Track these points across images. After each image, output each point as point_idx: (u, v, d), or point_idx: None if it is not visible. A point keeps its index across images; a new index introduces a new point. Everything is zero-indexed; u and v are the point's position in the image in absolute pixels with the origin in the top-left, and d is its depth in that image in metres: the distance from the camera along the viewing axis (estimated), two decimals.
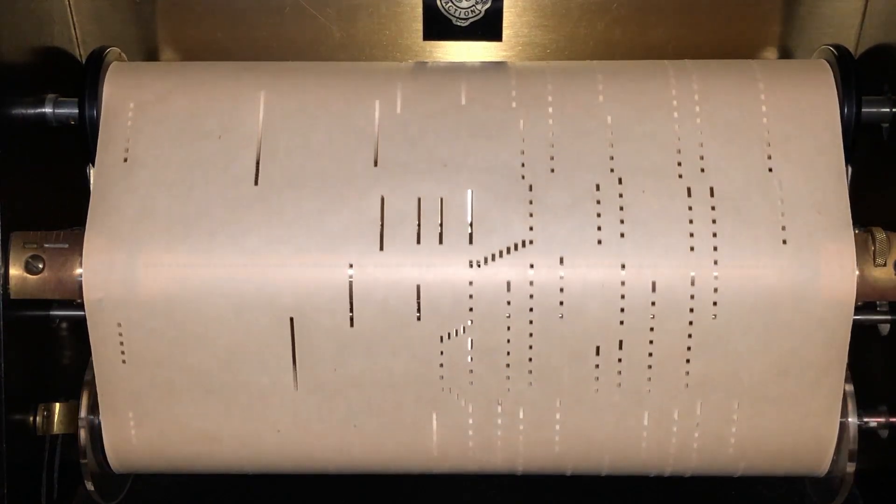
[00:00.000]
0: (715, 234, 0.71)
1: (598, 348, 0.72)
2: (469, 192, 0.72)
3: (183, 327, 0.72)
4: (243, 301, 0.71)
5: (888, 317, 0.75)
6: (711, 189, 0.72)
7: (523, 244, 0.71)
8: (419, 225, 0.72)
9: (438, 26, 0.77)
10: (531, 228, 0.72)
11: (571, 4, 0.84)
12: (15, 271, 0.72)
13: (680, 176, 0.73)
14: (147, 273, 0.71)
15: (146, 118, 0.75)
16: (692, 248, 0.71)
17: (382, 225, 0.72)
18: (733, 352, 0.72)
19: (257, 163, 0.74)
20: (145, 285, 0.71)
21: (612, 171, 0.73)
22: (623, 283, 0.71)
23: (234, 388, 0.74)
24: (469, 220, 0.72)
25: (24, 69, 0.74)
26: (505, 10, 0.78)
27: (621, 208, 0.72)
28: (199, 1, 0.85)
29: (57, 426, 0.76)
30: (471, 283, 0.71)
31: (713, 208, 0.72)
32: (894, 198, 0.75)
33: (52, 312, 0.76)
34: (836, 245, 0.71)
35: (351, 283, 0.71)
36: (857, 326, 0.72)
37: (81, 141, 0.77)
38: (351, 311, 0.72)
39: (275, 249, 0.72)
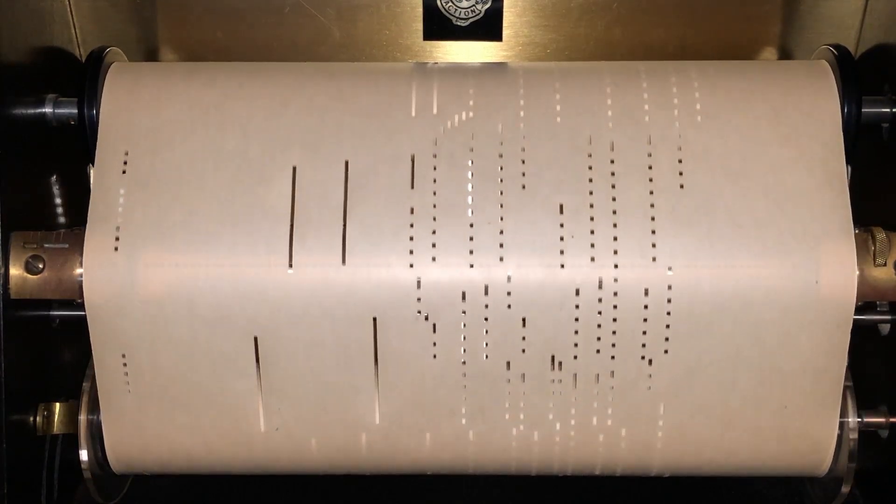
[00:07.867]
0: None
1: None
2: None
3: (183, 327, 0.72)
4: (243, 301, 0.71)
5: (888, 317, 0.75)
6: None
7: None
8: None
9: (438, 26, 0.77)
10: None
11: (571, 4, 0.84)
12: (15, 271, 0.72)
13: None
14: (147, 273, 0.71)
15: (146, 118, 0.75)
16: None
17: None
18: (733, 351, 0.72)
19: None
20: (145, 285, 0.71)
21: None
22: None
23: (234, 387, 0.74)
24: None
25: (24, 69, 0.74)
26: (505, 10, 0.78)
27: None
28: (199, 1, 0.85)
29: (57, 426, 0.76)
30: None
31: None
32: (894, 198, 0.75)
33: (52, 312, 0.76)
34: (836, 245, 0.71)
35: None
36: (857, 326, 0.72)
37: (81, 141, 0.77)
38: None
39: (278, 250, 0.72)
